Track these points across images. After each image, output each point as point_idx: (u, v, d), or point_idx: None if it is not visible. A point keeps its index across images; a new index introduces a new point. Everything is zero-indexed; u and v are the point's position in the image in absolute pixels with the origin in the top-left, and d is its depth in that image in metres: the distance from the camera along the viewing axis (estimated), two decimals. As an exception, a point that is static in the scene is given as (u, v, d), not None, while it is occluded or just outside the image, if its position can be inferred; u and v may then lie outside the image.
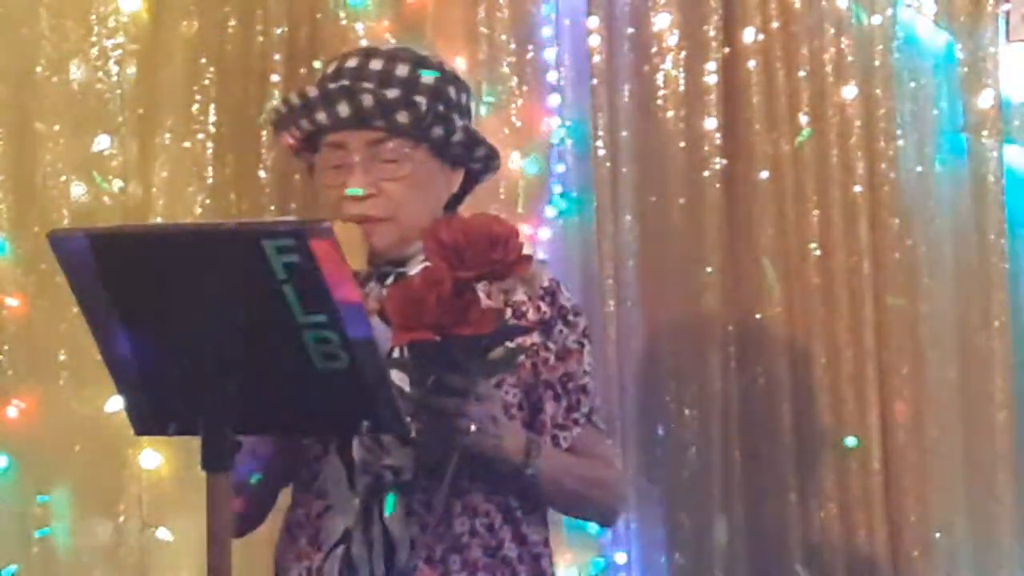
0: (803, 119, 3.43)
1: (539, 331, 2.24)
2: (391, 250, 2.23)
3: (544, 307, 2.26)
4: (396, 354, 2.10)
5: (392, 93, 2.20)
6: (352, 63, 2.26)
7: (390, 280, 2.23)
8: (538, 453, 2.17)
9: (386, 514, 2.17)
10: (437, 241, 1.98)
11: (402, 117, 2.20)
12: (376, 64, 2.25)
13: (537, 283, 2.25)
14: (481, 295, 2.13)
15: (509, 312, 2.24)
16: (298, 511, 2.28)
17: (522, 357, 2.20)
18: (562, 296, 2.28)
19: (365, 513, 2.19)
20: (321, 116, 2.22)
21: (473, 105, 2.36)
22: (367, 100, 2.19)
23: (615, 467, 2.41)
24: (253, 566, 3.04)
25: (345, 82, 2.22)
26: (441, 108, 2.23)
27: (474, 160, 2.29)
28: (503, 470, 2.16)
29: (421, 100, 2.20)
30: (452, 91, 2.27)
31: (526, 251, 2.00)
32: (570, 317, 2.28)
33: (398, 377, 2.12)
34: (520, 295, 2.25)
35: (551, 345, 2.26)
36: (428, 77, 2.24)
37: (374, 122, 2.20)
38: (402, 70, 2.24)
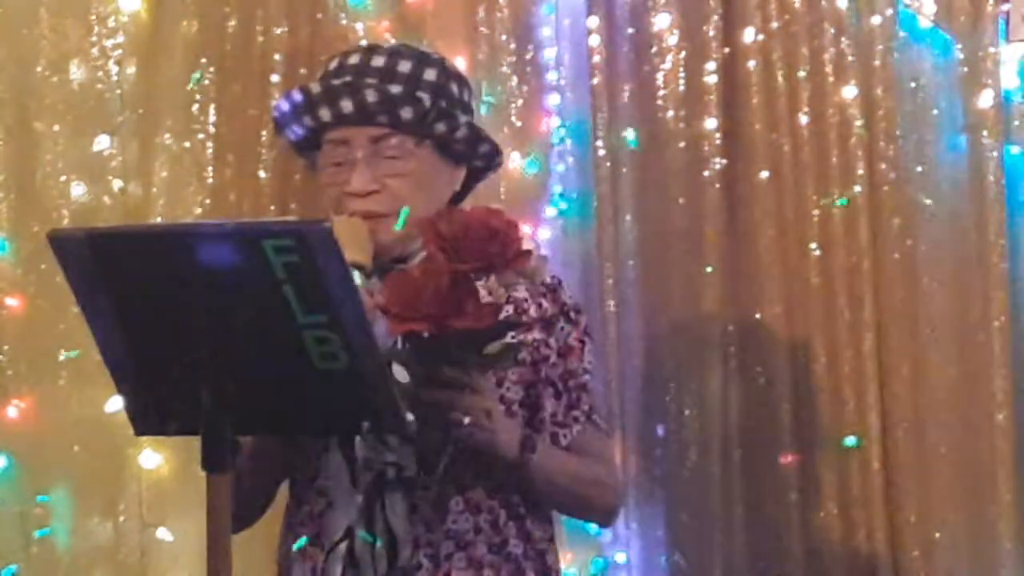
0: (803, 119, 3.43)
1: (540, 328, 2.24)
2: (394, 246, 2.23)
3: (546, 304, 2.26)
4: (396, 345, 2.10)
5: (395, 89, 2.20)
6: (354, 60, 2.26)
7: None
8: (533, 449, 2.18)
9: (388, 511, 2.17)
10: (436, 233, 1.98)
11: (406, 113, 2.20)
12: (378, 60, 2.24)
13: (539, 279, 2.25)
14: (483, 291, 2.13)
15: (511, 308, 2.24)
16: (300, 509, 2.28)
17: (523, 354, 2.20)
18: (564, 293, 2.29)
19: (368, 510, 2.18)
20: (324, 113, 2.22)
21: (474, 103, 2.36)
22: (371, 96, 2.19)
23: (614, 466, 2.41)
24: (253, 566, 3.04)
25: (348, 78, 2.22)
26: (444, 104, 2.23)
27: (477, 157, 2.29)
28: (498, 465, 2.16)
29: (424, 96, 2.20)
30: (455, 87, 2.27)
31: (527, 246, 2.00)
32: (572, 314, 2.28)
33: (399, 371, 2.14)
34: (522, 291, 2.25)
35: (552, 342, 2.26)
36: (431, 73, 2.24)
37: (377, 118, 2.20)
38: (405, 66, 2.24)
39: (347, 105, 2.20)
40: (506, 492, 2.23)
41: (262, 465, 2.24)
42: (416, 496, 2.18)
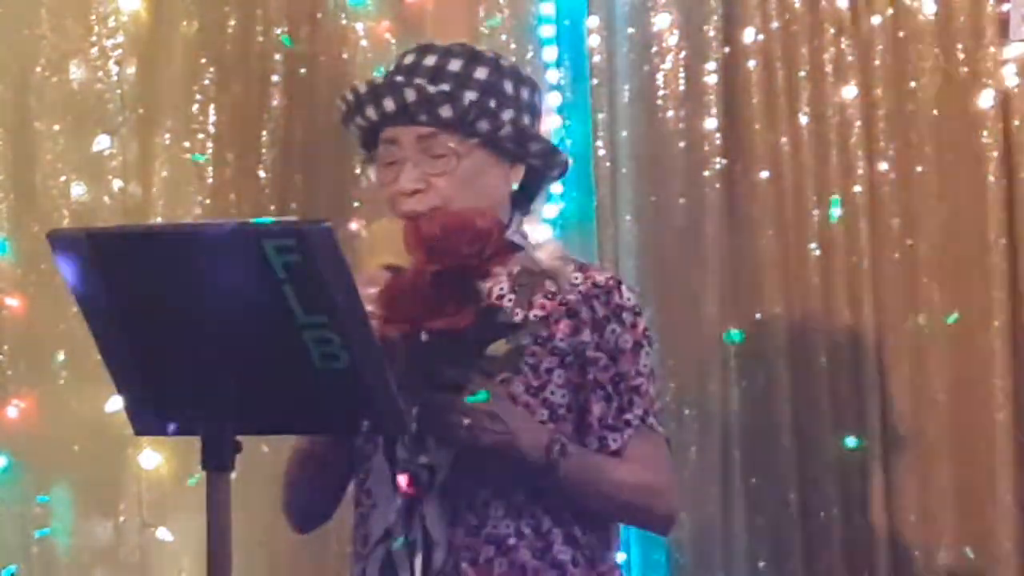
0: (803, 119, 3.43)
1: (590, 330, 2.21)
2: None
3: (598, 305, 2.24)
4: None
5: (443, 87, 2.20)
6: (409, 59, 2.28)
7: None
8: (563, 452, 2.15)
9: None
10: (417, 233, 1.99)
11: (445, 111, 2.20)
12: (430, 60, 2.25)
13: (563, 280, 2.23)
14: (503, 292, 2.16)
15: (563, 310, 2.21)
16: (356, 510, 2.29)
17: (541, 358, 2.19)
18: (619, 296, 2.24)
19: (405, 513, 2.17)
20: (370, 111, 2.23)
21: (538, 100, 2.32)
22: (409, 95, 2.19)
23: (667, 473, 2.30)
24: (253, 566, 3.05)
25: (399, 78, 2.23)
26: (492, 103, 2.22)
27: (530, 156, 2.27)
28: (522, 468, 2.14)
29: (470, 94, 2.20)
30: (508, 85, 2.26)
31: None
32: (625, 316, 2.24)
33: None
34: (574, 294, 2.22)
35: (603, 345, 2.24)
36: (482, 71, 2.24)
37: (419, 117, 2.20)
38: (455, 65, 2.24)
39: (389, 104, 2.21)
40: (545, 497, 2.20)
41: (321, 467, 2.26)
42: (453, 499, 2.16)
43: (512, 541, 2.18)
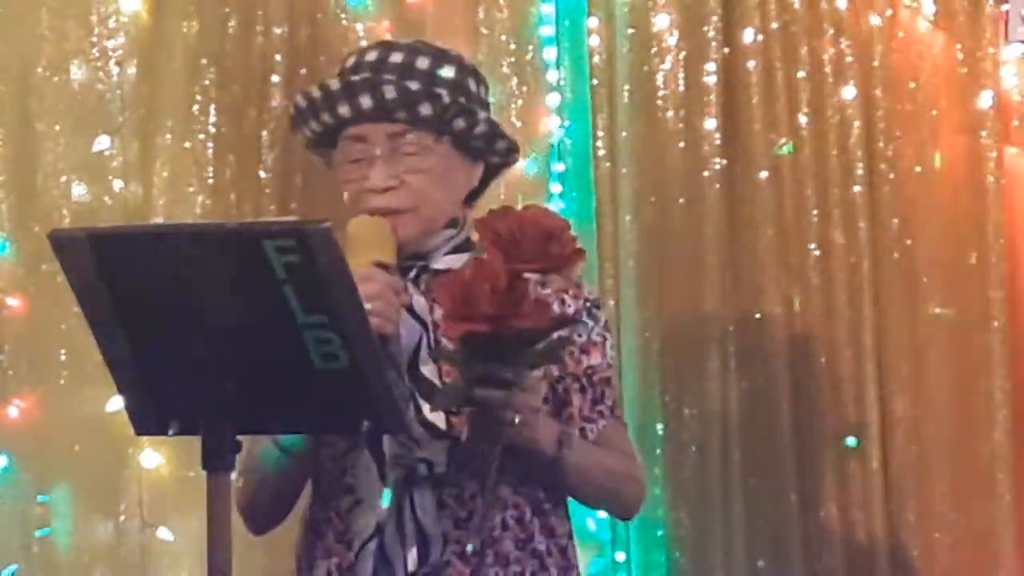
0: (803, 119, 3.44)
1: (574, 323, 2.24)
2: (413, 243, 2.22)
3: (569, 300, 2.26)
4: (421, 346, 2.11)
5: (414, 85, 2.20)
6: (372, 56, 2.26)
7: (413, 274, 2.23)
8: (569, 445, 2.18)
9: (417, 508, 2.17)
10: (493, 232, 1.97)
11: (425, 109, 2.19)
12: (396, 57, 2.24)
13: (575, 277, 2.25)
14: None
15: (556, 305, 2.23)
16: (325, 507, 2.26)
17: (572, 348, 2.21)
18: (585, 289, 2.30)
19: (397, 508, 2.18)
20: (343, 109, 2.21)
21: (488, 98, 2.35)
22: (390, 92, 2.18)
23: (635, 460, 2.40)
24: (253, 566, 3.05)
25: (367, 74, 2.22)
26: (463, 100, 2.23)
27: (495, 153, 2.29)
28: (537, 461, 2.17)
29: (442, 93, 2.20)
30: (472, 84, 2.28)
31: (578, 245, 2.01)
32: (593, 310, 2.29)
33: (429, 371, 2.14)
34: (547, 288, 2.24)
35: (576, 338, 2.26)
36: (448, 70, 2.25)
37: (396, 114, 2.20)
38: (423, 63, 2.24)
39: (366, 101, 2.20)
40: (532, 487, 2.23)
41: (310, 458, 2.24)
42: (444, 492, 2.17)
43: (497, 532, 2.20)
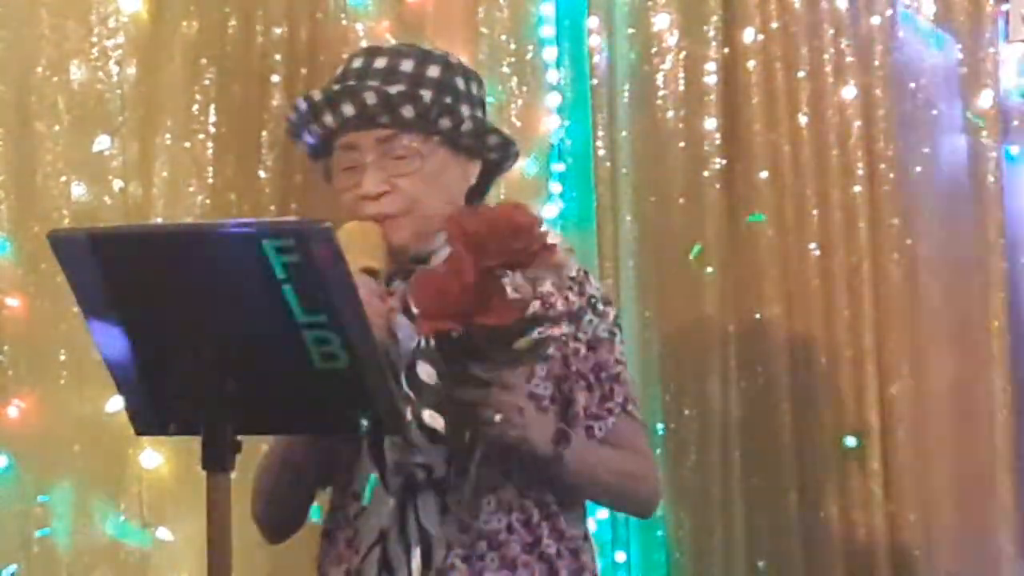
0: (803, 119, 3.44)
1: (568, 321, 2.23)
2: (411, 245, 2.22)
3: (573, 297, 2.25)
4: (422, 345, 2.10)
5: (395, 88, 2.20)
6: (357, 63, 2.27)
7: (414, 277, 2.23)
8: (568, 444, 2.16)
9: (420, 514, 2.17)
10: (460, 230, 1.97)
11: (407, 111, 2.20)
12: (380, 62, 2.25)
13: (566, 273, 2.24)
14: (508, 287, 2.13)
15: (538, 303, 2.22)
16: (336, 515, 2.28)
17: (552, 349, 2.19)
18: (590, 286, 2.28)
19: (400, 513, 2.18)
20: (328, 119, 2.22)
21: (484, 94, 2.35)
22: (370, 98, 2.19)
23: (649, 459, 2.38)
24: (253, 566, 3.05)
25: (350, 82, 2.23)
26: (448, 100, 2.22)
27: (488, 149, 2.28)
28: (532, 462, 2.16)
29: (426, 93, 2.20)
30: (460, 81, 2.27)
31: (551, 240, 2.00)
32: (599, 306, 2.27)
33: (425, 370, 2.14)
34: (548, 285, 2.24)
35: (581, 335, 2.25)
36: (434, 70, 2.25)
37: (380, 119, 2.20)
38: (407, 65, 2.24)
39: (348, 109, 2.21)
40: (540, 490, 2.22)
41: (297, 474, 2.25)
42: (447, 497, 2.17)
43: (503, 536, 2.19)
